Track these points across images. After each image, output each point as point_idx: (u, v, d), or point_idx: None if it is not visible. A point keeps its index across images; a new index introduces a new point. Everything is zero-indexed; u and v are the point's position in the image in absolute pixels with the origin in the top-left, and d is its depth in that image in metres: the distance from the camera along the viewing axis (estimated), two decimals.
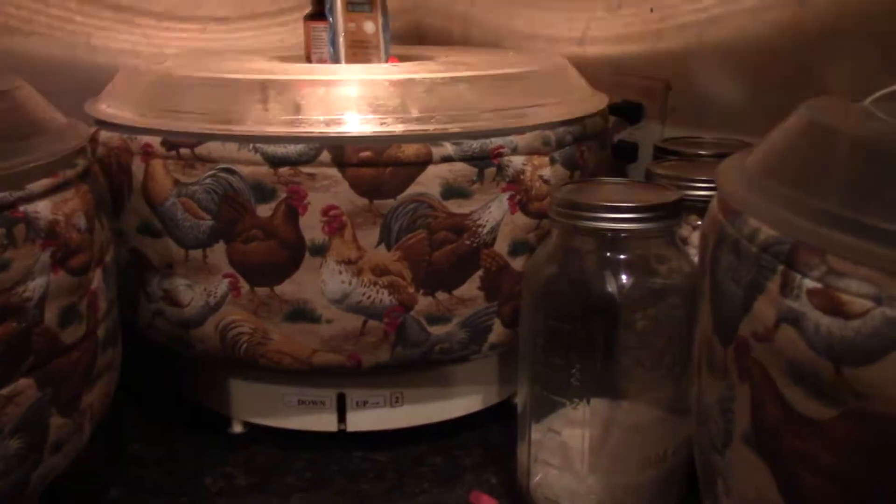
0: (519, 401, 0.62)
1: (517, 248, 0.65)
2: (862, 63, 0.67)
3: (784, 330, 0.33)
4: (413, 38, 1.14)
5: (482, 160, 0.62)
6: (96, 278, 0.54)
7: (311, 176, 0.59)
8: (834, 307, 0.30)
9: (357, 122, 0.61)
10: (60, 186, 0.50)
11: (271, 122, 0.61)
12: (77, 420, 0.53)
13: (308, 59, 0.81)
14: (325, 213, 0.60)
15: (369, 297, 0.62)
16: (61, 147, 0.52)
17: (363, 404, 0.69)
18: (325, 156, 0.59)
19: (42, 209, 0.48)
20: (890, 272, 0.29)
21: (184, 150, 0.61)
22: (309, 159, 0.59)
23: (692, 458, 0.46)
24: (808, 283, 0.32)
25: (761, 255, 0.34)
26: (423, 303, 0.63)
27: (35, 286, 0.47)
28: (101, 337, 0.54)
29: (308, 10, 0.81)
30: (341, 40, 0.76)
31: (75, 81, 0.84)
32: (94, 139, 0.66)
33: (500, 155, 0.62)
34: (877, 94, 0.42)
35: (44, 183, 0.49)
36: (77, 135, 0.55)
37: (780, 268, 0.33)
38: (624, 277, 0.56)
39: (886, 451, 0.29)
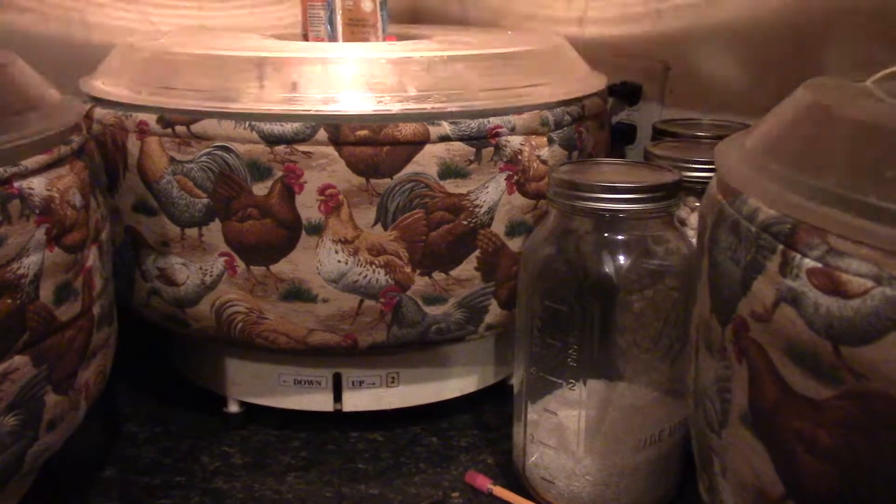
0: (515, 381, 0.62)
1: (514, 229, 0.64)
2: (862, 44, 0.67)
3: (783, 310, 0.32)
4: (410, 17, 1.13)
5: (480, 140, 0.61)
6: (91, 256, 0.53)
7: (308, 154, 0.59)
8: (834, 287, 0.30)
9: (354, 101, 0.60)
10: (55, 163, 0.50)
11: (267, 99, 0.60)
12: (73, 398, 0.53)
13: (305, 38, 0.81)
14: (321, 191, 0.60)
15: (365, 276, 0.62)
16: (56, 123, 0.52)
17: (359, 384, 0.69)
18: (322, 134, 0.59)
19: (37, 185, 0.48)
20: (890, 252, 0.29)
21: (179, 128, 0.61)
22: (305, 137, 0.59)
23: (688, 439, 0.46)
24: (808, 263, 0.31)
25: (761, 234, 0.34)
26: (420, 283, 0.63)
27: (30, 263, 0.47)
28: (96, 315, 0.54)
29: None
30: (339, 18, 0.76)
31: (70, 58, 0.83)
32: (89, 116, 0.65)
33: (498, 135, 0.62)
34: (878, 75, 0.41)
35: (38, 159, 0.48)
36: (72, 111, 0.55)
37: (780, 247, 0.33)
38: (621, 258, 0.56)
39: (885, 431, 0.29)
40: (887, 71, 0.41)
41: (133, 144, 0.63)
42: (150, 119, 0.62)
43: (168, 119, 0.61)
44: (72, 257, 0.51)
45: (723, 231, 0.38)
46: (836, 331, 0.30)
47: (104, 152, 0.63)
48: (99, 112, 0.65)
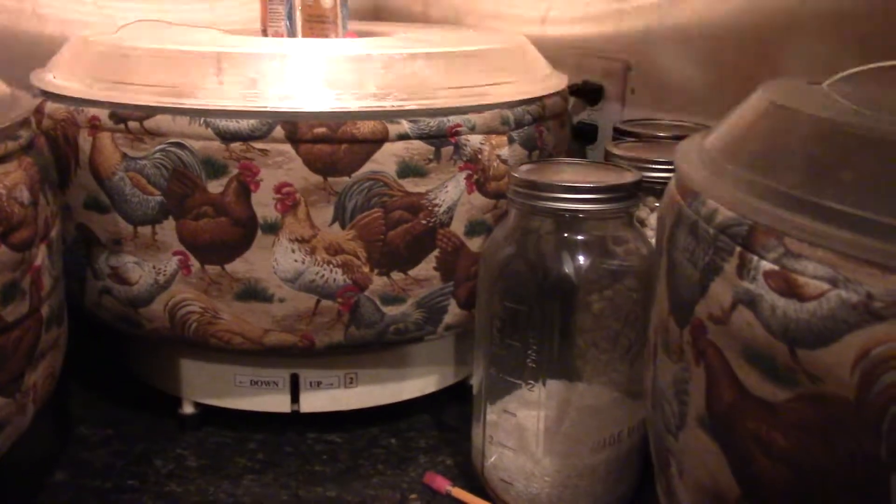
0: (474, 382, 0.62)
1: (474, 229, 0.64)
2: (819, 46, 0.67)
3: (740, 312, 0.32)
4: (371, 15, 1.12)
5: (439, 139, 0.61)
6: (40, 254, 0.52)
7: (264, 152, 0.58)
8: (790, 289, 0.30)
9: (312, 98, 0.60)
10: (2, 159, 0.49)
11: (224, 96, 0.59)
12: (20, 400, 0.51)
13: (264, 34, 0.80)
14: (277, 190, 0.59)
15: (322, 276, 0.61)
16: (3, 118, 0.50)
17: (317, 385, 0.68)
18: (279, 131, 0.58)
19: None
20: (846, 254, 0.29)
21: (132, 124, 0.59)
22: (262, 135, 0.58)
23: (647, 440, 0.46)
24: (765, 265, 0.31)
25: (718, 236, 0.34)
26: (378, 283, 0.62)
27: None
28: (45, 315, 0.53)
29: None
30: (298, 14, 0.75)
31: (21, 51, 0.81)
32: (39, 111, 0.64)
33: (458, 133, 0.61)
34: (834, 77, 0.41)
35: None
36: (20, 106, 0.53)
37: (737, 249, 0.33)
38: (581, 258, 0.55)
39: (839, 433, 0.29)
40: (843, 74, 0.41)
41: (84, 140, 0.61)
42: (103, 114, 0.60)
43: (121, 115, 0.60)
44: (19, 256, 0.49)
45: (681, 232, 0.37)
46: (792, 333, 0.30)
47: (55, 148, 0.61)
48: (50, 107, 0.64)
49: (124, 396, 0.75)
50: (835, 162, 0.32)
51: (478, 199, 0.63)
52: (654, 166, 0.62)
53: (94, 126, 0.60)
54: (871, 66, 0.43)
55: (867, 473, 0.29)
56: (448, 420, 0.73)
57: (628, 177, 0.57)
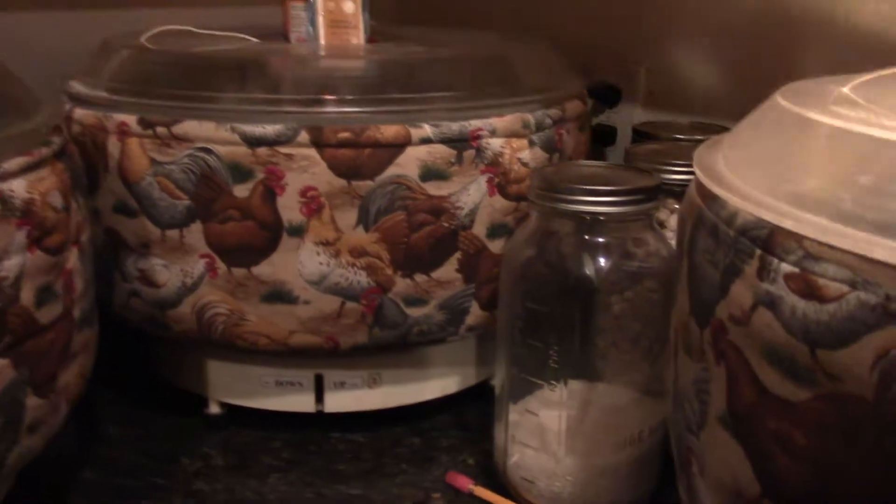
0: (497, 382, 0.62)
1: (495, 231, 0.65)
2: (834, 49, 0.67)
3: (760, 313, 0.33)
4: (394, 18, 1.13)
5: (461, 142, 0.62)
6: (72, 258, 0.53)
7: (289, 156, 0.59)
8: (810, 291, 0.31)
9: (336, 103, 0.60)
10: (36, 165, 0.50)
11: (249, 101, 0.60)
12: (53, 400, 0.52)
13: (287, 38, 0.81)
14: (302, 193, 0.60)
15: (347, 278, 0.62)
16: (36, 125, 0.51)
17: (341, 385, 0.69)
18: (304, 136, 0.59)
19: (17, 187, 0.48)
20: (864, 257, 0.30)
21: (160, 129, 0.60)
22: (287, 139, 0.59)
23: (667, 439, 0.47)
24: (785, 268, 0.32)
25: (739, 238, 0.35)
26: (401, 284, 0.63)
27: (11, 265, 0.47)
28: (77, 317, 0.54)
29: None
30: (320, 19, 0.76)
31: (51, 58, 0.83)
32: (69, 117, 0.65)
33: (479, 137, 0.62)
34: (856, 80, 0.42)
35: (19, 161, 0.48)
36: (52, 112, 0.54)
37: (758, 252, 0.33)
38: (602, 260, 0.56)
39: (858, 431, 0.30)
40: (864, 77, 0.42)
41: (113, 145, 0.62)
42: (131, 120, 0.62)
43: (149, 120, 0.61)
44: (53, 259, 0.50)
45: (701, 235, 0.38)
46: (812, 334, 0.31)
47: (84, 154, 0.62)
48: (79, 113, 0.65)
49: (152, 397, 0.76)
50: (853, 165, 0.33)
51: (499, 201, 0.64)
52: (673, 168, 0.63)
53: (123, 132, 0.62)
54: (893, 69, 0.43)
55: (887, 472, 0.29)
56: (469, 420, 0.73)
57: (648, 179, 0.57)
